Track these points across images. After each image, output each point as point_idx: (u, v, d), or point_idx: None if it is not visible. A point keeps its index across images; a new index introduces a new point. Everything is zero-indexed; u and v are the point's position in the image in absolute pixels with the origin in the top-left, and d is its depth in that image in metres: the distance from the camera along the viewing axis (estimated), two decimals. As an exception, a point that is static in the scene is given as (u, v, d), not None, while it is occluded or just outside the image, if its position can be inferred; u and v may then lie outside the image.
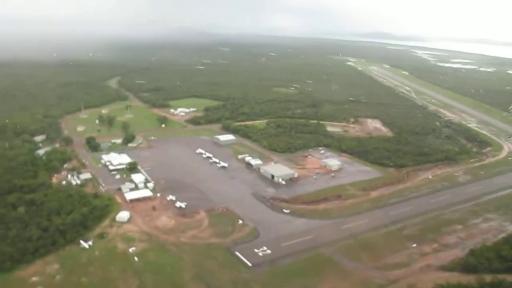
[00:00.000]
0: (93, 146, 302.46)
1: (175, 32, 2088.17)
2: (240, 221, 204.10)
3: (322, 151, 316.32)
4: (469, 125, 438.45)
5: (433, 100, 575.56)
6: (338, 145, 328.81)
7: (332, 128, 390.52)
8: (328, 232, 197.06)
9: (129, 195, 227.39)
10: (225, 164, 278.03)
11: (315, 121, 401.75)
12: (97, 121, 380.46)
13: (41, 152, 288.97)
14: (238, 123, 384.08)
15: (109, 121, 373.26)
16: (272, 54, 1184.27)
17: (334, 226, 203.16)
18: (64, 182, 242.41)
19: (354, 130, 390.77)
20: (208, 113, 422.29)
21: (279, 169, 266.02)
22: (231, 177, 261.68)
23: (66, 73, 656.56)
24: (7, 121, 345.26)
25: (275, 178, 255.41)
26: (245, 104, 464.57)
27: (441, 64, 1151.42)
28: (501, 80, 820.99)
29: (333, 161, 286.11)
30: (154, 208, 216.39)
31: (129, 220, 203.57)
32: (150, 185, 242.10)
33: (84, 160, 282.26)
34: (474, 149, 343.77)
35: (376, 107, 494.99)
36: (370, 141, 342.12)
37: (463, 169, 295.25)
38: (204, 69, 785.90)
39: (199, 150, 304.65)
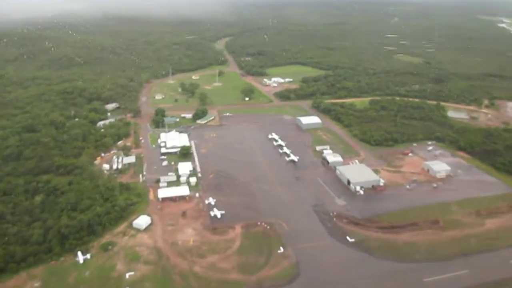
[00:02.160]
0: (156, 121, 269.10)
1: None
2: (281, 249, 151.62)
3: (430, 148, 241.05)
4: None
5: None
6: (456, 140, 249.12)
7: (455, 113, 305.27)
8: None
9: (163, 192, 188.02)
10: (296, 158, 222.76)
11: (434, 103, 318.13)
12: (179, 89, 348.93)
13: (102, 123, 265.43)
14: (334, 101, 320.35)
15: (190, 90, 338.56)
16: (406, 9, 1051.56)
17: (413, 278, 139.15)
18: (105, 165, 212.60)
19: (485, 117, 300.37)
20: (303, 85, 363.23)
21: (360, 172, 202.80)
22: (297, 178, 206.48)
23: (179, 32, 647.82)
24: (84, 85, 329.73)
25: (352, 185, 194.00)
26: (352, 75, 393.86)
27: None
28: None
29: (440, 165, 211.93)
30: (183, 214, 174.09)
31: (147, 229, 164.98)
32: (193, 179, 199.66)
33: (141, 138, 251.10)
34: None
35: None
36: (503, 136, 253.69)
37: None
38: (323, 30, 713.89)
39: (272, 135, 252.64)
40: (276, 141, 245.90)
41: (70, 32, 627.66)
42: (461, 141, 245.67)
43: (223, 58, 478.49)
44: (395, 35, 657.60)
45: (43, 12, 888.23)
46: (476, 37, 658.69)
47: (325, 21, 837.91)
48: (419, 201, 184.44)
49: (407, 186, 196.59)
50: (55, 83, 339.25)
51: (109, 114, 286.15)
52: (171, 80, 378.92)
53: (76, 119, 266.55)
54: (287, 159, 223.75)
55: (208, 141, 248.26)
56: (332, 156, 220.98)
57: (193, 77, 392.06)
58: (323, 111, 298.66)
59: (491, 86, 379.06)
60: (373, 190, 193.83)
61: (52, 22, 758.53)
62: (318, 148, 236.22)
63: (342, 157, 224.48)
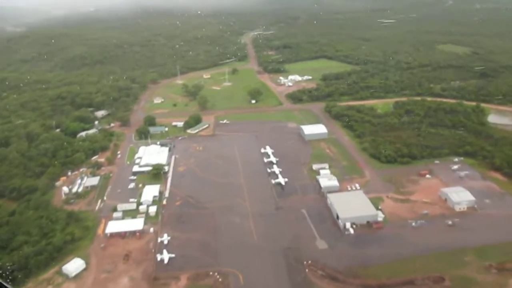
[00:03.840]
0: (140, 131, 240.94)
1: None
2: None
3: (456, 167, 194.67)
4: None
5: None
6: (491, 155, 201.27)
7: (498, 117, 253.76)
8: None
9: (112, 226, 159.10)
10: (283, 181, 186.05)
11: (473, 104, 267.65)
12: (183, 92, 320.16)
13: (85, 134, 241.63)
14: (353, 103, 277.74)
15: (193, 93, 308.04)
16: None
17: None
18: (64, 188, 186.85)
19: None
20: (322, 84, 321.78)
21: (354, 203, 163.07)
22: (277, 207, 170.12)
23: (204, 24, 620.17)
24: (79, 89, 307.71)
25: (340, 221, 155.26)
26: (383, 70, 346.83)
27: None
28: None
29: (462, 193, 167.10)
30: (126, 257, 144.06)
31: (78, 276, 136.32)
32: (154, 209, 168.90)
33: (118, 152, 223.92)
34: None
35: None
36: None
37: None
38: (363, 18, 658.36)
39: (266, 149, 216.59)
40: (269, 156, 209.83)
41: (93, 29, 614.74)
42: (498, 157, 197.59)
43: (243, 52, 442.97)
44: (443, 22, 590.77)
45: (84, 7, 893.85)
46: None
47: (369, 7, 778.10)
48: (425, 246, 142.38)
49: (413, 224, 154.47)
50: (53, 87, 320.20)
51: (96, 122, 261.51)
52: (179, 80, 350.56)
53: (57, 130, 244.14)
54: (273, 181, 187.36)
55: (191, 156, 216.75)
56: (326, 179, 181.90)
57: (204, 76, 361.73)
58: (335, 116, 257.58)
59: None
60: (367, 227, 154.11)
61: (90, 17, 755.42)
62: (315, 166, 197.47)
63: (341, 179, 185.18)
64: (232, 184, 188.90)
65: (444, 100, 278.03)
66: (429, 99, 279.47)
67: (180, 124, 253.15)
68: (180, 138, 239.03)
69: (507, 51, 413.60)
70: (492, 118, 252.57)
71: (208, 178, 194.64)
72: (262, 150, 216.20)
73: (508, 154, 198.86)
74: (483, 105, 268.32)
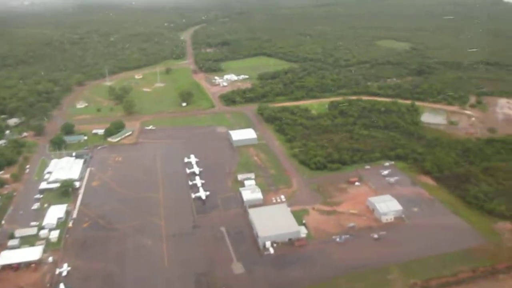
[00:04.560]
0: (55, 141, 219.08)
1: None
2: None
3: (386, 172, 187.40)
4: None
5: None
6: (422, 158, 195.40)
7: (431, 116, 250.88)
8: None
9: (4, 257, 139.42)
10: (204, 194, 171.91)
11: (408, 102, 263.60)
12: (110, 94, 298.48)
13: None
14: (288, 104, 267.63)
15: (120, 96, 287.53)
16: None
17: None
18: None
19: (467, 121, 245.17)
20: (258, 83, 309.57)
21: (276, 219, 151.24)
22: (195, 226, 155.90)
23: (150, 18, 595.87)
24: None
25: (260, 240, 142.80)
26: (320, 68, 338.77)
27: None
28: None
29: (389, 203, 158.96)
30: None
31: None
32: (55, 234, 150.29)
33: (27, 166, 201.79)
34: None
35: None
36: (484, 153, 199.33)
37: None
38: (308, 13, 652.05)
39: (190, 159, 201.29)
40: (192, 166, 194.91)
41: (22, 25, 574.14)
42: (428, 160, 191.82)
43: (181, 50, 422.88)
44: (385, 16, 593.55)
45: (17, 1, 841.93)
46: (480, 16, 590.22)
47: (316, 2, 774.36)
48: (348, 265, 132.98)
49: (338, 239, 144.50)
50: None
51: (8, 132, 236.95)
52: (108, 82, 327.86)
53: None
54: (194, 195, 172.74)
55: (108, 169, 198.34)
56: (249, 192, 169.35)
57: (136, 77, 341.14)
58: (267, 119, 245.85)
59: (483, 77, 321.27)
60: (289, 246, 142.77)
61: (21, 12, 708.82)
62: (240, 177, 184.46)
63: (267, 190, 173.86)
64: (149, 199, 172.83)
65: (380, 99, 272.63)
66: (365, 98, 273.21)
67: (101, 131, 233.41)
68: (99, 147, 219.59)
69: (444, 46, 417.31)
70: (426, 117, 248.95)
71: (124, 193, 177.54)
72: (186, 160, 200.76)
73: (439, 156, 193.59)
74: (417, 103, 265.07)
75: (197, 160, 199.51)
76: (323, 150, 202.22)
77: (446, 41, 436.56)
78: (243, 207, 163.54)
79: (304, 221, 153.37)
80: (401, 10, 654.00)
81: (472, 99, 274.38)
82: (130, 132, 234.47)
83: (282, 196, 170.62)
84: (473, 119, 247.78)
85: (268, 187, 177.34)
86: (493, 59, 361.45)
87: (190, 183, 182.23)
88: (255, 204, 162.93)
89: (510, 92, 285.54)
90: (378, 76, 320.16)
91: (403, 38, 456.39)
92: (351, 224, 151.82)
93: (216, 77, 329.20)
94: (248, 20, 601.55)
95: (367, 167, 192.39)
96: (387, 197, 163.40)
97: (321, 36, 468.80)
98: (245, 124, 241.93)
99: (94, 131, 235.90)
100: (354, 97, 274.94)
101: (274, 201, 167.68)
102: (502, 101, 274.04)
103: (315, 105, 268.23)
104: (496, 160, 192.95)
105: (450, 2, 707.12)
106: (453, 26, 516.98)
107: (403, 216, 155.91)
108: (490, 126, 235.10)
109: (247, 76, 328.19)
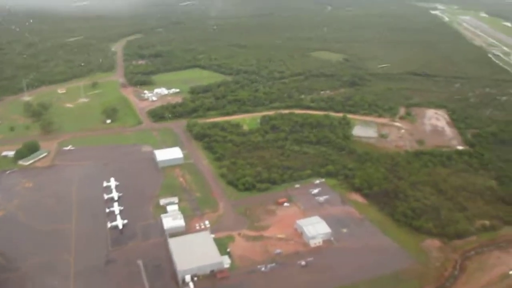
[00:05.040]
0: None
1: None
2: None
3: (316, 190, 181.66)
4: None
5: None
6: (352, 174, 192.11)
7: (362, 129, 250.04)
8: None
9: None
10: (121, 223, 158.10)
11: (340, 115, 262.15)
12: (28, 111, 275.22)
13: None
14: (219, 119, 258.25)
15: (37, 112, 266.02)
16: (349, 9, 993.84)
17: None
18: None
19: (397, 133, 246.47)
20: (189, 97, 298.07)
21: (197, 249, 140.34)
22: (108, 260, 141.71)
23: (79, 27, 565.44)
24: None
25: (179, 273, 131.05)
26: (254, 81, 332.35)
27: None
28: None
29: (317, 226, 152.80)
30: None
31: None
32: None
33: None
34: None
35: (449, 86, 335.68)
36: (412, 166, 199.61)
37: None
38: (244, 23, 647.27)
39: (109, 182, 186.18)
40: (111, 190, 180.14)
41: None
42: (358, 176, 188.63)
43: (110, 62, 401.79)
44: (324, 27, 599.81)
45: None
46: (409, 27, 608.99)
47: (252, 13, 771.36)
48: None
49: (263, 269, 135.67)
50: None
51: None
52: (26, 97, 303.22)
53: None
54: (110, 224, 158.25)
55: (16, 196, 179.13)
56: (171, 219, 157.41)
57: (59, 91, 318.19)
58: (196, 136, 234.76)
59: (412, 88, 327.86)
60: (211, 278, 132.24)
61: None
62: (162, 201, 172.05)
63: (191, 216, 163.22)
64: (60, 231, 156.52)
65: (313, 112, 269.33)
66: (297, 111, 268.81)
67: (11, 153, 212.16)
68: (8, 172, 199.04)
69: (376, 57, 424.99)
70: (357, 131, 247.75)
71: (31, 225, 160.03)
72: (105, 184, 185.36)
73: (368, 172, 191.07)
74: (349, 116, 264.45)
75: (117, 183, 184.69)
76: (252, 169, 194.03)
77: (377, 52, 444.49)
78: (163, 236, 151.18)
79: (228, 249, 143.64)
80: (338, 21, 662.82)
81: (402, 111, 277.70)
82: (45, 154, 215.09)
83: (207, 222, 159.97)
84: (403, 131, 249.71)
85: (193, 212, 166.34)
86: (421, 70, 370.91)
87: (107, 210, 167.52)
88: (176, 232, 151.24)
89: (437, 102, 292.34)
90: (312, 89, 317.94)
91: (337, 49, 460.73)
92: (278, 251, 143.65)
93: (145, 91, 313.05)
94: (184, 30, 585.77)
95: (297, 186, 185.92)
96: (316, 219, 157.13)
97: (256, 47, 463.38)
98: (173, 142, 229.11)
99: (4, 153, 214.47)
100: (286, 111, 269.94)
101: (198, 227, 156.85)
102: (430, 112, 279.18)
103: (247, 120, 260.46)
104: (424, 174, 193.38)
105: (387, 14, 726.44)
106: (387, 38, 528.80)
107: (332, 239, 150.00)
108: (418, 138, 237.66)
109: (178, 90, 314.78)
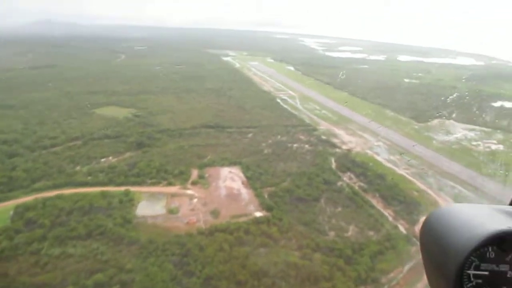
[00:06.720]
0: None
1: (32, 25, 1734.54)
2: None
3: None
4: (378, 159, 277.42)
5: (323, 112, 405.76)
6: (131, 281, 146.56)
7: (148, 206, 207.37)
8: None
9: None
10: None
11: (122, 190, 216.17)
12: None
13: None
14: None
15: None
16: (140, 47, 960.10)
17: None
18: None
19: (189, 204, 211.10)
20: None
21: None
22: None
23: None
24: None
25: None
26: (13, 155, 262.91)
27: (330, 54, 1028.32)
28: (395, 71, 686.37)
29: None
30: None
31: None
32: None
33: None
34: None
35: (243, 137, 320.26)
36: (206, 252, 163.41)
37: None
38: (19, 77, 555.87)
39: None
40: None
41: None
42: (137, 283, 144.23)
43: None
44: (113, 78, 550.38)
45: None
46: (203, 75, 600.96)
47: (33, 64, 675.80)
48: None
49: None
50: None
51: None
52: None
53: None
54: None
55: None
56: None
57: None
58: None
59: (205, 144, 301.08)
60: None
61: None
62: None
63: None
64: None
65: (88, 190, 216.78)
66: (67, 192, 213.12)
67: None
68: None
69: (167, 109, 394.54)
70: (141, 209, 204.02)
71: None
72: None
73: (151, 273, 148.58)
74: (133, 189, 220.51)
75: None
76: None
77: (170, 103, 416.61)
78: None
79: None
80: (131, 71, 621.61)
81: (194, 174, 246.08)
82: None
83: None
84: (195, 200, 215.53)
85: None
86: (214, 121, 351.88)
87: None
88: None
89: (231, 159, 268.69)
90: (90, 157, 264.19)
91: (126, 103, 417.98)
92: None
93: None
94: None
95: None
96: None
97: (27, 106, 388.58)
98: None
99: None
100: (53, 193, 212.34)
101: None
102: (225, 171, 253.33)
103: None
104: (219, 262, 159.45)
105: (183, 62, 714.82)
106: (181, 87, 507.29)
107: None
108: (213, 208, 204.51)
109: None
